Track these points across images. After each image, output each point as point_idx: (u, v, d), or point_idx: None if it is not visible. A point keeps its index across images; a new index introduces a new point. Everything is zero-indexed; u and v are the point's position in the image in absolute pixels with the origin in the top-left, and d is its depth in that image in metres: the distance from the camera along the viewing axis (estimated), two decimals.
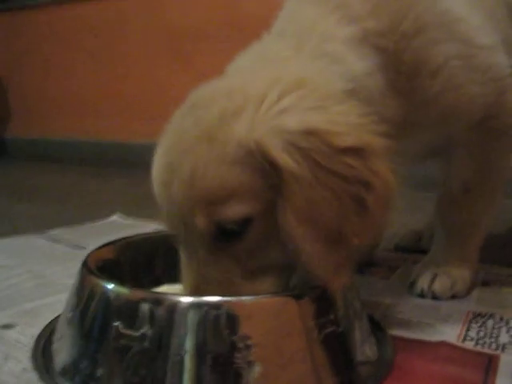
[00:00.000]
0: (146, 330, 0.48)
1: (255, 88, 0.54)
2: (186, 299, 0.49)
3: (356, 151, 0.51)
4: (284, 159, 0.48)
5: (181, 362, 0.47)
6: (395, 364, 0.58)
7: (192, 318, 0.48)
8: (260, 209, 0.52)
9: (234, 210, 0.51)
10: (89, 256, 0.61)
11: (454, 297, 0.79)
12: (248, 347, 0.47)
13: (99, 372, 0.49)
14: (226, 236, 0.52)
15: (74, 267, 0.61)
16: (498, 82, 0.72)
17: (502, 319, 0.73)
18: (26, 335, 0.63)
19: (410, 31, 0.65)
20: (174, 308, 0.48)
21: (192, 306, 0.49)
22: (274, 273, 0.55)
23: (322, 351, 0.50)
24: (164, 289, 0.65)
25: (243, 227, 0.52)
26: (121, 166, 2.32)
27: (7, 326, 0.66)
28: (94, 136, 2.57)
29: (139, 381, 0.47)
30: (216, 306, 0.48)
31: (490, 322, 0.72)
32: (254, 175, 0.51)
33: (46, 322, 0.65)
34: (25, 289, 0.82)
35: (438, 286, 0.77)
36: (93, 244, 0.86)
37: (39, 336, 0.62)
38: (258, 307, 0.49)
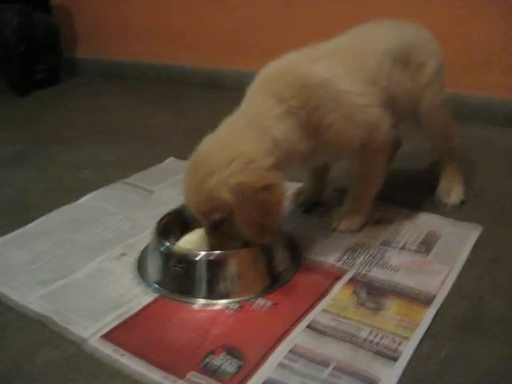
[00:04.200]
0: (184, 265, 1.16)
1: (219, 159, 1.08)
2: (202, 253, 1.14)
3: (265, 188, 1.08)
4: (230, 198, 1.04)
5: (199, 277, 1.15)
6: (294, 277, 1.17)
7: (204, 261, 1.14)
8: (227, 215, 1.11)
9: (216, 216, 1.10)
10: (158, 223, 1.26)
11: (352, 232, 1.32)
12: (229, 268, 1.14)
13: (167, 279, 1.18)
14: (216, 225, 1.14)
15: (150, 211, 1.37)
16: (370, 126, 1.23)
17: (368, 247, 1.24)
18: (133, 258, 1.28)
19: (314, 106, 1.15)
20: (195, 257, 1.15)
21: (203, 256, 1.14)
22: (239, 239, 1.16)
23: (262, 267, 1.17)
24: (189, 236, 1.28)
25: (222, 222, 1.13)
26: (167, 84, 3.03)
27: (123, 254, 1.26)
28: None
29: (183, 283, 1.15)
30: (213, 255, 1.14)
31: (359, 249, 1.22)
32: (219, 203, 1.05)
33: (141, 249, 1.31)
34: (126, 229, 1.37)
35: (342, 226, 1.36)
36: (159, 187, 1.61)
37: (139, 259, 1.29)
38: (233, 255, 1.14)
